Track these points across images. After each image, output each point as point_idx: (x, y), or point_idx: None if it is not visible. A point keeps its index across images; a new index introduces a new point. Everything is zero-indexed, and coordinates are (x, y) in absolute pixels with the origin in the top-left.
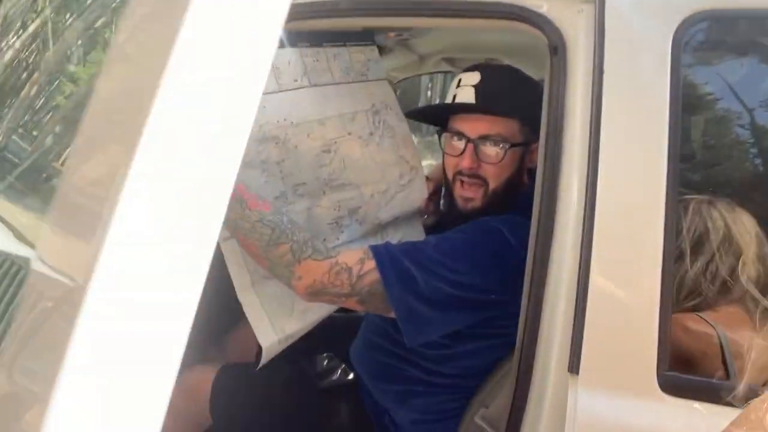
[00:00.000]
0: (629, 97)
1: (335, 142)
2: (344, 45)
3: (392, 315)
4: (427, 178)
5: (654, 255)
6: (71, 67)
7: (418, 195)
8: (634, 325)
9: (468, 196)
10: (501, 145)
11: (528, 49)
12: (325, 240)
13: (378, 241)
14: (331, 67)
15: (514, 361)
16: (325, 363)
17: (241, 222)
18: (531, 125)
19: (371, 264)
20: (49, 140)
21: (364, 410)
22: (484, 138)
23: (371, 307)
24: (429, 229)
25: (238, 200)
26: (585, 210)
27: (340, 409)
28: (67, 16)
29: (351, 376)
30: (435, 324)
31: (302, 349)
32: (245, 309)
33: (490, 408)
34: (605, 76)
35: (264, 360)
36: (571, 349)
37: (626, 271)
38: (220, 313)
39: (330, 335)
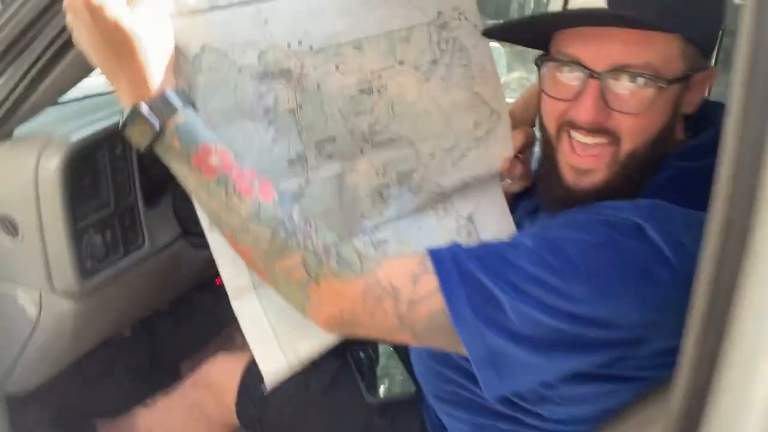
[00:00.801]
0: None
1: (379, 77)
2: None
3: (462, 352)
4: (514, 126)
5: None
6: None
7: (499, 152)
8: None
9: (583, 166)
10: (650, 82)
11: None
12: (362, 218)
13: (439, 215)
14: None
15: (672, 419)
16: (378, 368)
17: (228, 216)
18: (699, 44)
19: (431, 282)
20: None
21: (426, 429)
22: (620, 70)
23: (431, 343)
24: (513, 199)
25: (222, 180)
26: None
27: (395, 428)
28: None
29: (413, 389)
30: (530, 370)
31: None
32: (241, 321)
33: None
34: None
35: (269, 386)
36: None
37: None
38: None
39: None
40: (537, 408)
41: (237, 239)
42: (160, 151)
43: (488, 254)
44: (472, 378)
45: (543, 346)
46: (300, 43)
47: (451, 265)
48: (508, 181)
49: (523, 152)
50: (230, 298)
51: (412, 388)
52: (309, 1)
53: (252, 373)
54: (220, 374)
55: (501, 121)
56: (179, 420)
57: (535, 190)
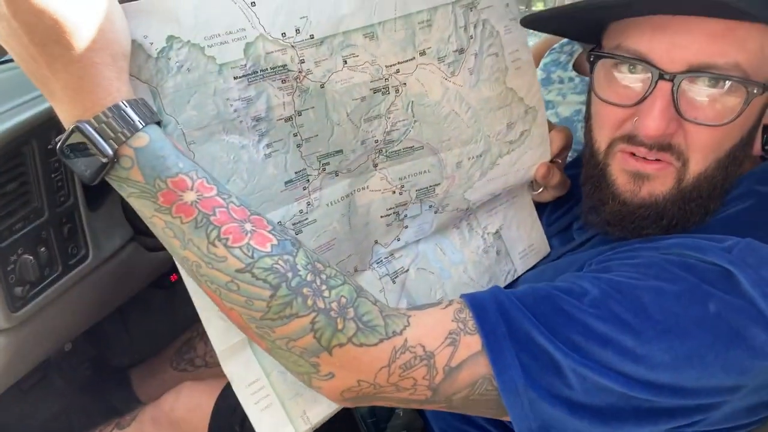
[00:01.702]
0: None
1: (397, 72)
2: None
3: (507, 418)
4: (552, 127)
5: None
6: None
7: (535, 156)
8: None
9: (644, 171)
10: (739, 87)
11: None
12: (375, 243)
13: (462, 233)
14: None
15: None
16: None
17: (211, 270)
18: None
19: (473, 343)
20: None
21: None
22: (700, 71)
23: (468, 411)
24: (542, 209)
25: (202, 223)
26: None
27: None
28: None
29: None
30: None
31: None
32: (234, 385)
33: None
34: None
35: None
36: None
37: None
38: None
39: None
40: None
41: (223, 298)
42: (115, 183)
43: (541, 304)
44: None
45: (607, 417)
46: (298, 31)
47: (497, 318)
48: (538, 191)
49: (560, 156)
50: (220, 360)
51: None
52: None
53: (224, 405)
54: (186, 410)
55: (537, 121)
56: None
57: (567, 204)
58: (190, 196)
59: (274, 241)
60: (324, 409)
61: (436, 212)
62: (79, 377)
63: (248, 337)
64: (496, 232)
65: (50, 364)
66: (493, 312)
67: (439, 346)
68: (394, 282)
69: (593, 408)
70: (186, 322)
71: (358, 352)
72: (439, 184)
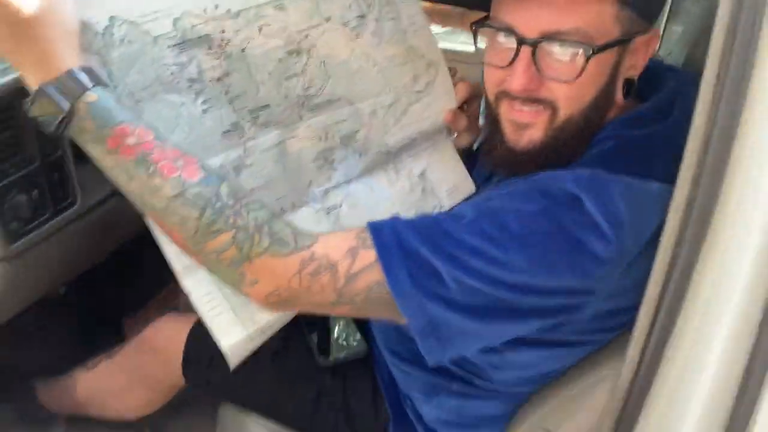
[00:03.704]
0: None
1: (307, 36)
2: None
3: (403, 321)
4: (455, 77)
5: None
6: None
7: (441, 104)
8: None
9: (523, 120)
10: (582, 49)
11: None
12: (310, 185)
13: (390, 176)
14: None
15: (618, 390)
16: (335, 333)
17: (150, 198)
18: (639, 6)
19: (369, 255)
20: None
21: (377, 386)
22: (552, 37)
23: (371, 314)
24: (464, 156)
25: (142, 160)
26: None
27: (347, 387)
28: None
29: (355, 349)
30: (470, 337)
31: None
32: (191, 297)
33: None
34: None
35: (232, 364)
36: None
37: None
38: None
39: None
40: (483, 373)
41: (163, 220)
42: (74, 134)
43: (428, 226)
44: None
45: (482, 314)
46: (217, 6)
47: (390, 237)
48: (454, 135)
49: (469, 105)
50: (178, 278)
51: (365, 348)
52: None
53: (198, 334)
54: (165, 338)
55: (440, 73)
56: (122, 382)
57: (481, 152)
58: (131, 140)
59: (202, 174)
60: (268, 314)
61: (360, 155)
62: (76, 326)
63: (189, 256)
64: (421, 173)
65: (46, 309)
66: (388, 233)
67: (341, 258)
68: (328, 215)
69: (469, 306)
70: (170, 276)
71: (274, 261)
72: (359, 130)
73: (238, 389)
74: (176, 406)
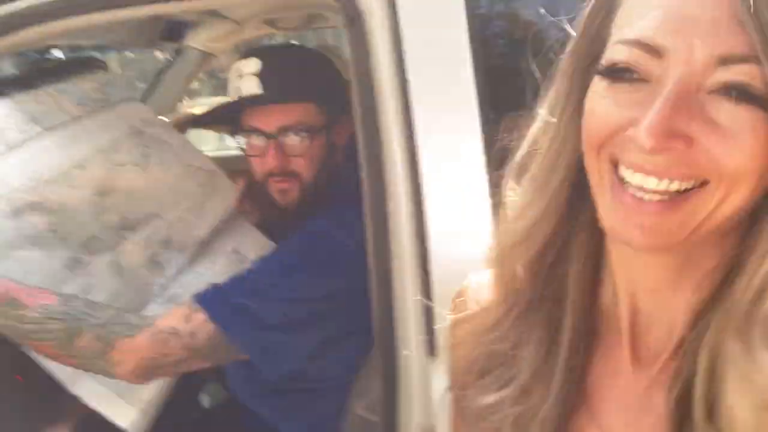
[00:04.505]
0: (432, 60)
1: (109, 180)
2: (67, 78)
3: (244, 358)
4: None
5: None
6: None
7: (227, 196)
8: None
9: (284, 188)
10: (304, 134)
11: None
12: (150, 285)
13: (211, 259)
14: (61, 104)
15: (376, 353)
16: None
17: (21, 326)
18: (330, 103)
19: (200, 316)
20: None
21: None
22: (284, 130)
23: (219, 359)
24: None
25: (8, 302)
26: (412, 188)
27: None
28: None
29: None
30: (294, 348)
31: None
32: (86, 400)
33: (369, 397)
34: (405, 43)
35: None
36: (425, 332)
37: (464, 247)
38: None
39: None
40: (318, 374)
41: (38, 340)
42: None
43: (234, 281)
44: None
45: (293, 328)
46: (32, 180)
47: (211, 297)
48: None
49: (247, 193)
50: (68, 388)
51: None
52: (26, 150)
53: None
54: None
55: (217, 175)
56: None
57: (268, 222)
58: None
59: (59, 298)
60: (151, 388)
61: (180, 251)
62: None
63: (64, 362)
64: (234, 250)
65: None
66: (208, 295)
67: (179, 323)
68: (172, 303)
69: (284, 325)
70: None
71: (129, 341)
72: (172, 233)
73: None
74: None
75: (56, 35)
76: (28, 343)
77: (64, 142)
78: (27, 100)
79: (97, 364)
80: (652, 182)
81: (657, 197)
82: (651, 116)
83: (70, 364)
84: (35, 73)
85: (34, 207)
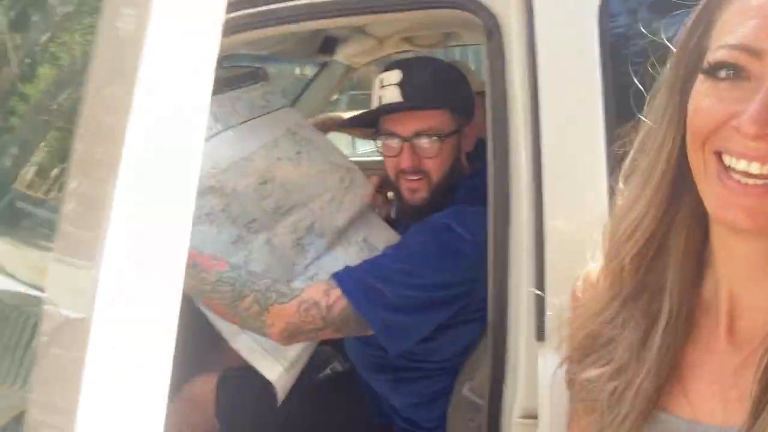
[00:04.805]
0: (564, 74)
1: (269, 172)
2: (239, 87)
3: (371, 332)
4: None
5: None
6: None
7: (363, 191)
8: None
9: (413, 187)
10: (435, 138)
11: None
12: (294, 264)
13: (345, 246)
14: (236, 108)
15: (489, 338)
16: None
17: (201, 286)
18: (460, 112)
19: (337, 292)
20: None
21: (364, 399)
22: (418, 134)
23: (348, 331)
24: (387, 222)
25: (192, 266)
26: (535, 191)
27: (340, 400)
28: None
29: (343, 367)
30: (413, 329)
31: None
32: (242, 354)
33: (475, 380)
34: (539, 57)
35: (281, 394)
36: (536, 320)
37: (579, 244)
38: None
39: None
40: (428, 357)
41: (210, 299)
42: None
43: (368, 265)
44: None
45: (414, 311)
46: (213, 168)
47: (347, 277)
48: (377, 210)
49: (379, 190)
50: (230, 342)
51: (343, 367)
52: (211, 143)
53: (222, 383)
54: (199, 389)
55: (355, 173)
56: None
57: (397, 216)
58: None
59: (229, 266)
60: (296, 349)
61: (321, 237)
62: None
63: (228, 319)
64: (364, 239)
65: None
66: (345, 275)
67: (320, 297)
68: (312, 282)
69: (407, 307)
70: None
71: (281, 307)
72: (315, 221)
73: (259, 415)
74: None
75: (240, 44)
76: (204, 302)
77: (237, 139)
78: (213, 102)
79: (254, 323)
80: (755, 167)
81: (760, 181)
82: (753, 107)
83: (233, 322)
84: (219, 80)
85: (214, 190)
